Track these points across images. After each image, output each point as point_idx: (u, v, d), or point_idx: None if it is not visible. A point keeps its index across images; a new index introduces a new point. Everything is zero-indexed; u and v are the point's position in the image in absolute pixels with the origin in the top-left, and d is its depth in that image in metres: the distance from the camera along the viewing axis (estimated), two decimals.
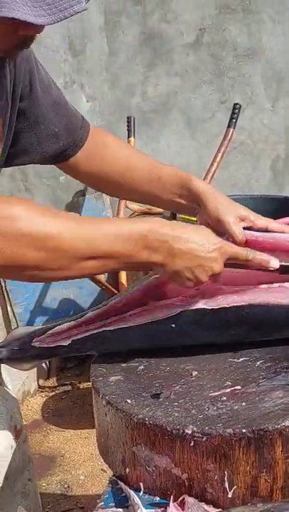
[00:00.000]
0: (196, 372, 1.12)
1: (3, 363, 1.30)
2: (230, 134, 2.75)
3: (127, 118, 2.93)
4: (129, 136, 2.89)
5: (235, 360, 1.15)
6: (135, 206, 2.98)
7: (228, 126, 2.76)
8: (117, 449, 1.06)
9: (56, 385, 3.14)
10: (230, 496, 0.95)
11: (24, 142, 1.24)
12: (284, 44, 3.18)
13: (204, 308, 1.15)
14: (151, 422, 0.99)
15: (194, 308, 1.15)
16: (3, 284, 3.05)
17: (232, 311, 1.14)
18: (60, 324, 1.21)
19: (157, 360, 1.18)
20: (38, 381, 3.13)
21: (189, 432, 0.95)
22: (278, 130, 3.28)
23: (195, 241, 1.07)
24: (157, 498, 1.00)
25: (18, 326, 3.06)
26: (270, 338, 1.18)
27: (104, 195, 3.11)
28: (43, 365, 3.15)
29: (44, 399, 3.04)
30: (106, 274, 3.04)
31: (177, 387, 1.08)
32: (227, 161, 3.03)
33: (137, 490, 1.02)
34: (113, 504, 1.01)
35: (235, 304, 1.15)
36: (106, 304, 1.21)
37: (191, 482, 0.97)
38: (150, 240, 1.04)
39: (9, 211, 0.95)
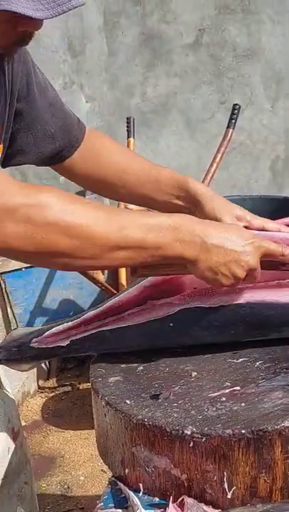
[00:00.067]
0: (195, 373, 1.12)
1: (2, 364, 1.30)
2: (229, 134, 2.75)
3: (127, 119, 2.93)
4: (128, 137, 2.89)
5: (235, 360, 1.15)
6: (135, 207, 2.98)
7: (228, 127, 2.76)
8: (116, 450, 1.06)
9: (56, 385, 3.14)
10: (229, 496, 0.95)
11: (21, 142, 1.25)
12: (283, 44, 3.18)
13: (203, 307, 1.15)
14: (150, 423, 0.98)
15: (193, 306, 1.15)
16: (3, 285, 3.05)
17: (230, 309, 1.14)
18: (58, 325, 1.21)
19: (156, 360, 1.18)
20: (37, 382, 3.13)
21: (189, 432, 0.95)
22: (278, 131, 3.28)
23: (228, 236, 1.06)
24: (157, 499, 1.00)
25: (17, 327, 3.06)
26: (269, 337, 1.18)
27: None
28: (43, 365, 3.15)
29: (44, 400, 3.04)
30: (106, 274, 3.04)
31: (176, 388, 1.08)
32: (226, 162, 3.03)
33: (136, 491, 1.02)
34: (112, 505, 1.01)
35: (233, 302, 1.15)
36: (104, 304, 1.21)
37: (191, 483, 0.97)
38: (182, 233, 1.03)
39: (39, 199, 0.95)
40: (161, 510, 0.97)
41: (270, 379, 1.07)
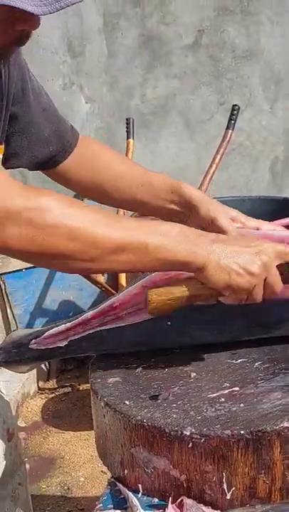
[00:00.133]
0: (194, 374, 1.12)
1: (1, 367, 1.30)
2: (228, 135, 2.75)
3: (126, 120, 2.94)
4: (128, 138, 2.89)
5: (234, 361, 1.15)
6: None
7: (227, 128, 2.76)
8: (115, 451, 1.07)
9: (56, 386, 3.14)
10: (228, 497, 0.95)
11: (14, 146, 1.25)
12: (282, 45, 3.18)
13: (201, 305, 1.14)
14: (149, 424, 0.99)
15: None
16: (2, 286, 3.05)
17: (229, 307, 1.14)
18: (57, 326, 1.22)
19: (155, 361, 1.18)
20: (37, 383, 3.13)
21: (188, 433, 0.95)
22: (277, 132, 3.29)
23: (236, 237, 1.07)
24: (156, 500, 1.00)
25: (17, 328, 3.06)
26: (268, 335, 1.18)
27: None
28: (43, 367, 3.15)
29: (44, 401, 3.04)
30: (105, 275, 3.04)
31: (175, 389, 1.08)
32: (226, 163, 3.04)
33: (135, 491, 1.02)
34: (112, 506, 1.01)
35: None
36: (102, 304, 1.21)
37: (190, 483, 0.97)
38: (187, 237, 1.01)
39: (40, 202, 0.96)
40: (161, 510, 0.97)
41: (269, 380, 1.07)
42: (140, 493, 1.02)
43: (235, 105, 2.78)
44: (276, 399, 1.01)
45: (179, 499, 0.97)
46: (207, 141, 3.21)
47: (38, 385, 3.12)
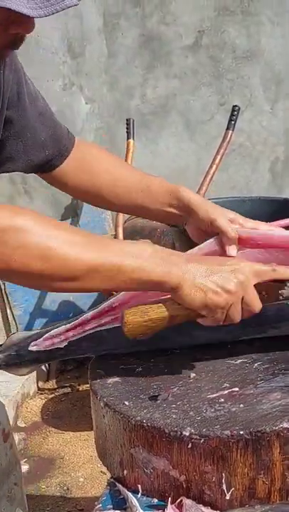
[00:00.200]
0: (193, 374, 1.12)
1: (1, 369, 1.30)
2: (229, 136, 2.75)
3: (126, 120, 2.94)
4: (128, 138, 2.89)
5: (233, 361, 1.15)
6: None
7: (227, 129, 2.76)
8: (114, 451, 1.06)
9: (56, 387, 3.14)
10: (228, 497, 0.95)
11: (10, 150, 1.25)
12: (283, 46, 3.19)
13: None
14: (149, 424, 0.99)
15: None
16: (2, 287, 3.05)
17: None
18: (57, 327, 1.21)
19: (155, 362, 1.18)
20: (37, 383, 3.13)
21: (187, 433, 0.95)
22: (277, 132, 3.29)
23: (208, 258, 1.07)
24: (155, 500, 1.00)
25: (17, 329, 3.06)
26: (266, 334, 1.18)
27: None
28: (43, 367, 3.15)
29: (43, 401, 3.04)
30: None
31: (175, 389, 1.08)
32: (226, 163, 3.04)
33: (134, 492, 1.02)
34: (111, 506, 1.01)
35: None
36: (102, 304, 1.21)
37: (189, 484, 0.97)
38: (161, 257, 1.02)
39: (15, 221, 0.96)
40: (160, 511, 0.97)
41: (269, 380, 1.07)
42: (140, 494, 1.02)
43: (236, 106, 2.78)
44: (276, 399, 1.01)
45: (179, 499, 0.97)
46: (207, 142, 3.21)
47: (37, 386, 3.12)
